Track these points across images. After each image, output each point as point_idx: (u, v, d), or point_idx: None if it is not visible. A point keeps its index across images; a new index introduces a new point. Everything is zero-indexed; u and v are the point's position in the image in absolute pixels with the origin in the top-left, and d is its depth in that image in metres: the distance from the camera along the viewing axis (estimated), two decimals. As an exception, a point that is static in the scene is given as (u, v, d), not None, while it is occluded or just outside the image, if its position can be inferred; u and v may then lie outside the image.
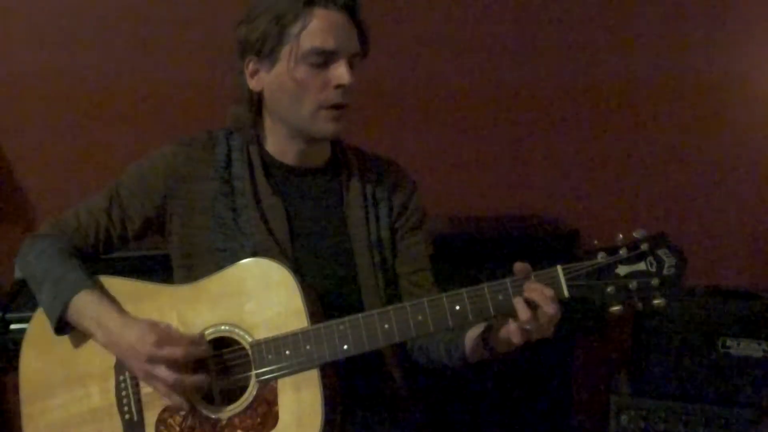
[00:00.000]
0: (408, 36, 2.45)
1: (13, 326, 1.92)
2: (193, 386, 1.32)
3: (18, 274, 1.51)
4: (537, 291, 1.23)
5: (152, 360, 1.30)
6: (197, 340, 1.34)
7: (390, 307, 1.31)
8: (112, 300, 1.40)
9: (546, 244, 2.29)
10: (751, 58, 2.53)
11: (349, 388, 1.38)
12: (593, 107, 2.56)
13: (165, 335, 1.33)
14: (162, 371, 1.30)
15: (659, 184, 2.60)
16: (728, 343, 2.18)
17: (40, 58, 2.38)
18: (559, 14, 2.51)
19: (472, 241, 2.27)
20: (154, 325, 1.34)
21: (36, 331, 1.45)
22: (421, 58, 2.47)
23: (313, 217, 1.48)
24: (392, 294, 1.50)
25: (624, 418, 2.24)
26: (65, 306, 1.37)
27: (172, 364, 1.30)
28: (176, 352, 1.30)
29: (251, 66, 1.43)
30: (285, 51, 1.38)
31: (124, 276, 1.45)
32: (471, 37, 2.50)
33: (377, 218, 1.50)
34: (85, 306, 1.37)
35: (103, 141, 2.43)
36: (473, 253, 2.22)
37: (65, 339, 1.41)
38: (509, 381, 2.20)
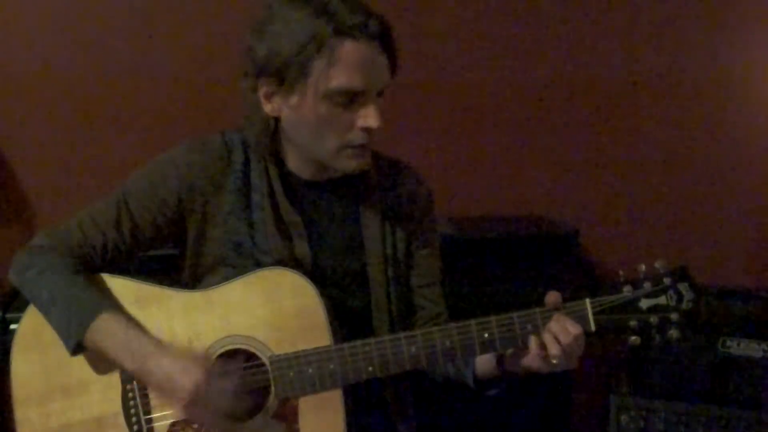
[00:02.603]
0: (407, 35, 2.44)
1: (13, 326, 1.92)
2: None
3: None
4: (565, 331, 1.24)
5: (196, 395, 1.23)
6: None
7: (418, 331, 1.29)
8: (137, 322, 1.32)
9: (546, 244, 2.29)
10: (751, 58, 2.53)
11: (346, 392, 1.35)
12: (594, 107, 2.56)
13: (211, 370, 1.25)
14: (202, 411, 1.25)
15: (659, 184, 2.60)
16: (728, 343, 2.18)
17: (40, 58, 2.38)
18: (559, 14, 2.51)
19: (472, 241, 2.27)
20: (201, 361, 1.26)
21: (28, 331, 1.39)
22: (420, 58, 2.47)
23: (330, 232, 1.43)
24: (404, 310, 1.46)
25: (624, 418, 2.24)
26: (84, 331, 1.28)
27: (219, 398, 1.25)
28: (223, 392, 1.25)
29: (266, 88, 1.30)
30: (308, 84, 1.25)
31: (129, 275, 1.39)
32: (471, 37, 2.50)
33: (393, 231, 1.45)
34: (110, 330, 1.28)
35: (103, 141, 2.43)
36: (473, 254, 2.22)
37: (60, 342, 1.33)
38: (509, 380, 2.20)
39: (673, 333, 1.26)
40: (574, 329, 1.23)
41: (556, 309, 1.27)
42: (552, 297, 1.27)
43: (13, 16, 2.36)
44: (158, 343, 1.29)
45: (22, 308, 1.86)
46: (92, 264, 1.39)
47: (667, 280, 1.26)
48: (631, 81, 2.54)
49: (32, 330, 1.38)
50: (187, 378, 1.23)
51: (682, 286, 1.26)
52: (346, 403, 1.29)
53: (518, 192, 2.58)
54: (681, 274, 1.27)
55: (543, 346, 1.25)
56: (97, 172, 2.38)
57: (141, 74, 2.41)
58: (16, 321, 1.88)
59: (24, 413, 1.38)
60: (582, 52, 2.52)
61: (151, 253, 1.46)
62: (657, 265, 1.27)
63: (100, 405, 1.35)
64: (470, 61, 2.51)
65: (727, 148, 2.58)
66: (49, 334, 1.34)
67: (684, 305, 1.26)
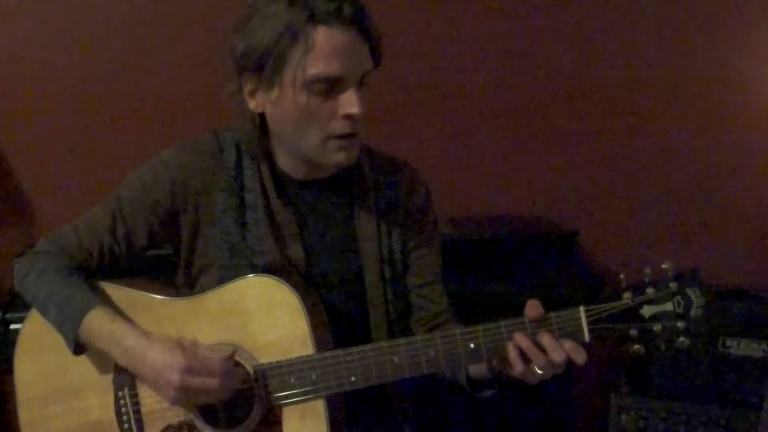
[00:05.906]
0: (407, 35, 2.45)
1: (13, 326, 1.92)
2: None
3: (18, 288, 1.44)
4: (557, 350, 1.19)
5: (185, 390, 1.25)
6: (228, 366, 1.25)
7: (401, 341, 1.26)
8: (125, 315, 1.33)
9: (546, 244, 2.29)
10: (751, 58, 2.53)
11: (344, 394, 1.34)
12: (594, 107, 2.56)
13: (195, 360, 1.25)
14: (194, 399, 1.26)
15: (659, 184, 2.59)
16: (728, 343, 2.18)
17: (40, 58, 2.38)
18: (559, 13, 2.51)
19: (472, 241, 2.27)
20: (179, 347, 1.27)
21: (29, 335, 1.41)
22: (420, 58, 2.47)
23: (324, 233, 1.41)
24: (402, 310, 1.45)
25: (624, 418, 2.24)
26: (77, 329, 1.30)
27: (205, 393, 1.25)
28: (210, 384, 1.24)
29: (249, 85, 1.30)
30: (286, 75, 1.24)
31: (124, 277, 1.41)
32: (471, 37, 2.50)
33: (390, 230, 1.43)
34: (97, 327, 1.30)
35: (103, 141, 2.43)
36: (473, 254, 2.22)
37: (61, 345, 1.34)
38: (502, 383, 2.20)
39: (684, 341, 1.17)
40: (568, 345, 1.19)
41: (547, 318, 1.20)
42: (532, 309, 1.21)
43: (14, 16, 2.36)
44: (144, 339, 1.29)
45: (22, 308, 1.89)
46: (90, 268, 1.40)
47: (673, 285, 1.17)
48: (632, 81, 2.54)
49: (34, 334, 1.40)
50: (171, 374, 1.24)
51: (692, 292, 1.17)
52: (329, 412, 1.28)
53: (518, 192, 2.58)
54: (691, 278, 1.17)
55: (526, 359, 1.20)
56: (97, 172, 2.38)
57: (141, 74, 2.41)
58: (17, 321, 1.90)
59: (27, 415, 1.40)
60: (582, 52, 2.52)
61: (149, 252, 1.46)
62: (665, 266, 1.18)
63: (96, 410, 1.37)
64: (470, 61, 2.51)
65: (728, 148, 2.57)
66: (50, 339, 1.35)
67: (693, 311, 1.16)
